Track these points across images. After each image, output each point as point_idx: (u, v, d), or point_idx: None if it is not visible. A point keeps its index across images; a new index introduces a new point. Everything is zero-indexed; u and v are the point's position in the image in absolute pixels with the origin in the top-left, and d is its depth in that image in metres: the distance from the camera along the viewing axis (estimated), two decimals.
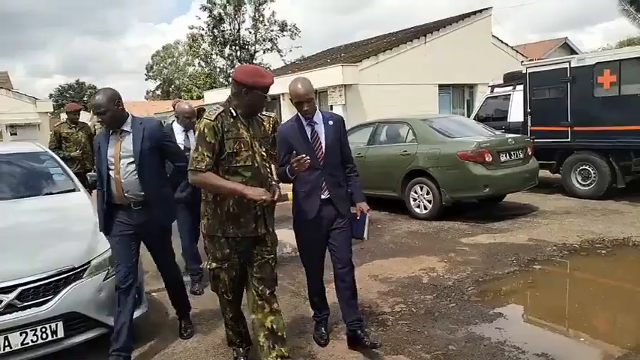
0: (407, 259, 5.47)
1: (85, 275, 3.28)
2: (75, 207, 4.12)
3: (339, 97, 16.67)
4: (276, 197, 2.86)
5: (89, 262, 3.33)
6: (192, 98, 37.89)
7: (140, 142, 3.32)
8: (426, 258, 5.48)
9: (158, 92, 59.00)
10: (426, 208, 7.34)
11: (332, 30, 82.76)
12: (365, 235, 3.55)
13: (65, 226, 3.77)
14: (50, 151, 4.92)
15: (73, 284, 3.20)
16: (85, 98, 55.90)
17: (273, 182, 3.00)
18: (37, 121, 23.62)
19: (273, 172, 3.25)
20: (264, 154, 2.95)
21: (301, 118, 3.32)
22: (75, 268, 3.24)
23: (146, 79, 59.98)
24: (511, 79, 10.01)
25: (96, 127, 9.25)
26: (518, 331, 3.67)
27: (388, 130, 8.31)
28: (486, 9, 19.13)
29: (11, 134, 22.85)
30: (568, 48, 28.08)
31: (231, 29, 36.76)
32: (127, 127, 3.36)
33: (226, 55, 37.61)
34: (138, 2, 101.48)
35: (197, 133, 2.79)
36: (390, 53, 17.57)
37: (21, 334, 2.98)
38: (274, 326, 2.89)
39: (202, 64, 39.76)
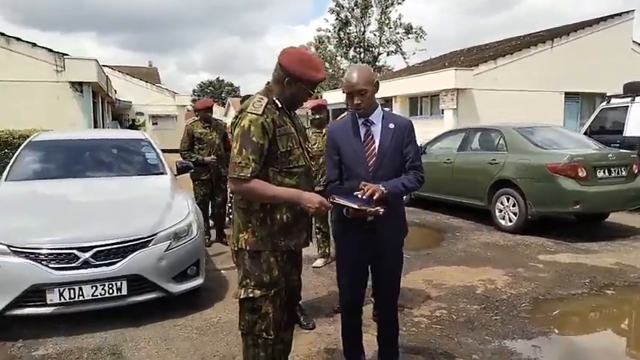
0: (470, 269, 5.37)
1: (150, 245, 3.82)
2: (157, 187, 4.79)
3: (451, 101, 16.35)
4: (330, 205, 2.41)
5: (155, 234, 3.87)
6: (316, 98, 39.31)
7: None
8: (490, 270, 5.33)
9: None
10: (511, 221, 7.04)
11: (469, 31, 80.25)
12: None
13: (143, 202, 4.40)
14: (150, 138, 5.70)
15: (139, 251, 3.76)
16: (222, 94, 60.55)
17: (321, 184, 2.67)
18: (174, 113, 26.40)
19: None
20: (309, 150, 2.57)
21: (357, 116, 2.73)
22: (142, 238, 3.81)
23: None
24: (631, 89, 9.10)
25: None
26: (555, 353, 3.52)
27: (480, 137, 8.12)
28: (627, 12, 17.39)
29: (153, 124, 25.77)
30: None
31: (356, 32, 37.54)
32: None
33: (350, 57, 38.41)
34: (278, 5, 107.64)
35: (238, 130, 2.28)
36: (511, 57, 16.79)
37: (92, 287, 3.59)
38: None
39: (327, 65, 40.97)
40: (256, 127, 2.25)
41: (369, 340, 3.18)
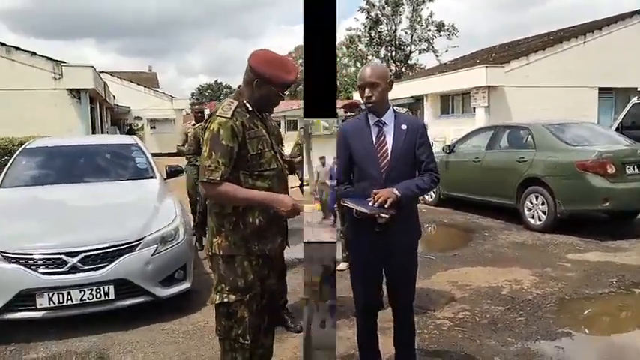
0: (496, 269, 5.06)
1: (137, 249, 3.74)
2: (146, 192, 4.75)
3: (482, 98, 15.89)
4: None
5: (142, 238, 3.79)
6: (347, 98, 39.07)
7: None
8: (517, 270, 5.00)
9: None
10: (540, 220, 6.65)
11: (502, 28, 78.04)
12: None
13: (131, 207, 4.37)
14: (140, 143, 5.66)
15: (126, 255, 3.69)
16: (220, 97, 60.53)
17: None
18: (172, 117, 26.52)
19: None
20: (282, 152, 2.56)
21: (369, 116, 2.65)
22: (129, 242, 3.73)
23: None
24: None
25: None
26: (579, 353, 3.35)
27: (508, 135, 7.79)
28: None
29: (151, 128, 25.96)
30: None
31: (387, 30, 37.05)
32: None
33: (382, 56, 37.95)
34: (275, 6, 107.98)
35: (208, 134, 2.24)
36: (543, 53, 16.28)
37: (80, 291, 3.54)
38: None
39: (358, 64, 40.64)
40: (225, 131, 2.20)
41: (387, 343, 2.91)
